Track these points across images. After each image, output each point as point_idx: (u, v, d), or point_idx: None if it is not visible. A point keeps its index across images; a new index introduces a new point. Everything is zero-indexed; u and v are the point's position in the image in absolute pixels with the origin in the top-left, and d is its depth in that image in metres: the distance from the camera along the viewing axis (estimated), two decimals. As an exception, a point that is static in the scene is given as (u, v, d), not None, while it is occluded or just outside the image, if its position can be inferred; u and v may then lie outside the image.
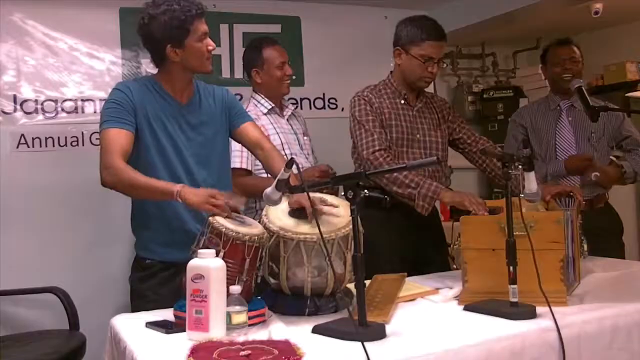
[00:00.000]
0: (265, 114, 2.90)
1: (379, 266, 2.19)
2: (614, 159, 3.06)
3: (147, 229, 2.21)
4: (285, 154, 2.78)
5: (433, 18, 2.56)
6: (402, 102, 2.59)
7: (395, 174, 2.37)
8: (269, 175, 2.33)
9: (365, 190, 1.61)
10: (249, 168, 2.75)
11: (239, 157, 2.68)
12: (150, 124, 2.13)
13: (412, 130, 2.56)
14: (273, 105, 2.94)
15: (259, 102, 2.93)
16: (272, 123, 2.88)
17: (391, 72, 2.66)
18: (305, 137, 3.04)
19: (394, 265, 2.34)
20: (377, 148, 2.43)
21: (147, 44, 2.16)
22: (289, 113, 3.03)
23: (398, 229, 2.52)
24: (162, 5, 2.06)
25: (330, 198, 1.97)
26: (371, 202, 2.42)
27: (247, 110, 2.84)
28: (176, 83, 2.20)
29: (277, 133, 2.86)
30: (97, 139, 3.27)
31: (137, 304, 2.19)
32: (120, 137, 2.05)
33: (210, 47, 2.15)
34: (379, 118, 2.51)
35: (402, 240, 2.53)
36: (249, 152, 2.62)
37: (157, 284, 2.17)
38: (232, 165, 2.69)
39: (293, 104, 3.37)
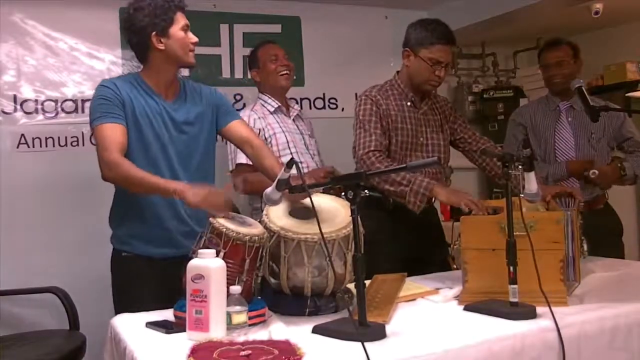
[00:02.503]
0: (271, 113, 2.91)
1: (379, 266, 2.19)
2: (620, 154, 3.04)
3: (125, 224, 2.22)
4: (291, 153, 2.82)
5: (444, 22, 2.54)
6: (409, 104, 2.58)
7: None
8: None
9: (366, 190, 1.61)
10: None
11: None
12: (136, 120, 2.14)
13: (416, 134, 2.57)
14: (279, 104, 2.95)
15: (265, 101, 2.96)
16: (278, 122, 2.90)
17: (397, 72, 2.64)
18: (311, 138, 3.05)
19: (394, 265, 2.34)
20: (372, 149, 2.42)
21: (132, 35, 2.18)
22: (295, 114, 3.04)
23: (398, 228, 2.52)
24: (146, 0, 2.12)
25: (331, 199, 1.97)
26: (372, 202, 2.45)
27: (254, 109, 2.88)
28: (161, 78, 2.21)
29: (283, 132, 2.87)
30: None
31: (119, 298, 2.21)
32: (115, 132, 2.06)
33: (193, 40, 2.19)
34: (385, 120, 2.51)
35: (403, 240, 2.53)
36: None
37: (135, 277, 2.18)
38: (238, 161, 2.72)
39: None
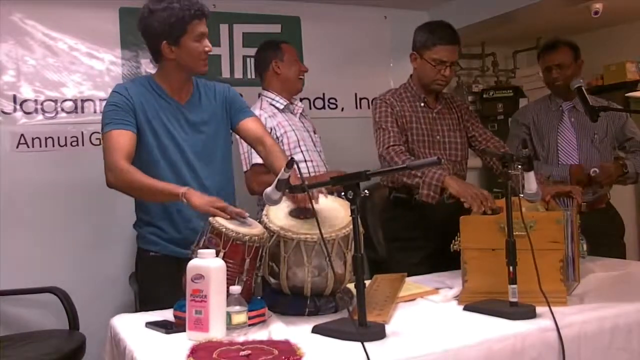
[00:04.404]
0: (280, 111, 2.91)
1: (405, 264, 2.32)
2: (621, 154, 3.04)
3: (151, 225, 2.22)
4: (302, 151, 2.83)
5: (448, 23, 2.64)
6: (422, 104, 2.66)
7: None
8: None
9: (366, 191, 1.61)
10: None
11: None
12: (150, 124, 2.14)
13: (432, 132, 2.64)
14: (287, 102, 2.95)
15: (273, 99, 2.94)
16: (287, 120, 2.89)
17: (411, 75, 2.73)
18: (316, 135, 3.05)
19: (419, 262, 2.47)
20: (390, 144, 2.50)
21: (145, 38, 2.17)
22: (300, 111, 3.04)
23: (424, 227, 2.56)
24: (163, 2, 2.08)
25: (331, 199, 1.97)
26: (398, 202, 2.49)
27: (262, 107, 2.86)
28: (173, 81, 2.21)
29: (293, 130, 2.87)
30: (97, 138, 3.29)
31: (145, 298, 2.22)
32: (122, 138, 2.07)
33: (207, 49, 2.16)
34: (400, 121, 2.59)
35: (428, 238, 2.55)
36: None
37: (162, 276, 2.18)
38: (254, 161, 2.71)
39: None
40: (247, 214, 1.85)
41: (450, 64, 2.58)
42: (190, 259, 1.64)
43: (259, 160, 2.66)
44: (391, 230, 2.74)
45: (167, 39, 2.10)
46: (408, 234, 2.60)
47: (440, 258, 2.47)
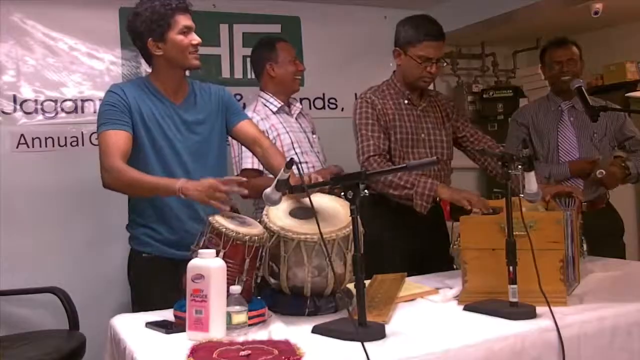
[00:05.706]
0: (274, 113, 2.88)
1: (388, 263, 2.25)
2: (621, 154, 3.04)
3: (145, 226, 2.22)
4: (296, 153, 2.79)
5: (432, 17, 2.57)
6: (406, 102, 2.60)
7: (389, 177, 2.39)
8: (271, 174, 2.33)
9: (366, 191, 1.61)
10: (260, 168, 2.71)
11: (250, 157, 2.64)
12: (145, 124, 2.14)
13: (416, 130, 2.58)
14: (282, 103, 2.92)
15: (267, 100, 2.91)
16: (281, 122, 2.87)
17: (394, 72, 2.66)
18: (314, 136, 3.02)
19: (402, 261, 2.40)
20: (371, 154, 2.45)
21: (134, 41, 2.19)
22: (297, 112, 3.02)
23: (403, 227, 2.53)
24: (146, 3, 2.12)
25: (331, 199, 1.97)
26: (378, 201, 2.47)
27: (255, 110, 2.84)
28: (167, 81, 2.21)
29: (287, 132, 2.84)
30: (96, 139, 3.28)
31: (139, 300, 2.20)
32: (118, 138, 2.07)
33: (194, 42, 2.17)
34: (383, 119, 2.52)
35: (410, 237, 2.53)
36: None
37: (156, 278, 2.17)
38: (244, 166, 2.69)
39: (293, 104, 3.37)
40: (244, 191, 1.87)
41: (437, 61, 2.51)
42: (190, 259, 1.64)
43: (249, 165, 2.68)
44: (369, 228, 2.67)
45: (151, 35, 2.12)
46: (387, 234, 2.52)
47: (419, 258, 2.46)
